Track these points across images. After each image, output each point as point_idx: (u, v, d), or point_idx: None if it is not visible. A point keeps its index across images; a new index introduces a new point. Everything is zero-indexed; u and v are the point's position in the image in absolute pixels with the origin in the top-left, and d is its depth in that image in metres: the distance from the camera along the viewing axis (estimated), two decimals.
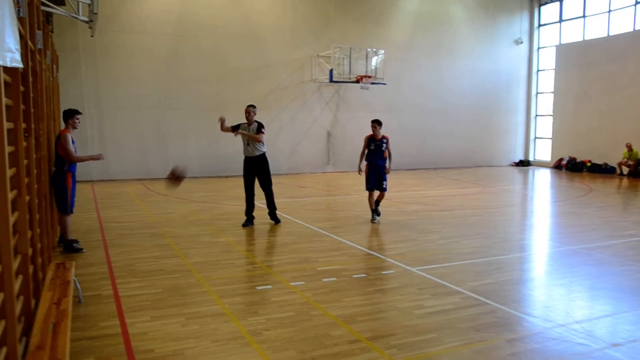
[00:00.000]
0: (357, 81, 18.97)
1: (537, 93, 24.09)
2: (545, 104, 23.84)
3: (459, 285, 6.06)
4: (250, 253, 7.66)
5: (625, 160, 19.23)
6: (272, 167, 9.94)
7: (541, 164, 23.36)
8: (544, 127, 23.85)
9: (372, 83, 19.15)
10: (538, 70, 24.00)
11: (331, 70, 18.67)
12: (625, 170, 19.30)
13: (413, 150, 20.88)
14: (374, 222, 9.87)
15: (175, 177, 7.90)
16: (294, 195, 14.01)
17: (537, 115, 24.18)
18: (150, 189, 15.05)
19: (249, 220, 9.62)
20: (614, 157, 19.75)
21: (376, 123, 9.95)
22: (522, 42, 23.54)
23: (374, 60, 19.41)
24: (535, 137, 24.28)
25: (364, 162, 10.06)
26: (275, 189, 9.90)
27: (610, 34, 20.61)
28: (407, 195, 13.74)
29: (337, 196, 14.52)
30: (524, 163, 23.71)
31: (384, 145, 9.91)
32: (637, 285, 6.38)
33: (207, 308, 5.30)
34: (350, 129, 19.94)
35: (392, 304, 5.52)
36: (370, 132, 9.99)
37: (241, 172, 9.61)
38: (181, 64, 17.71)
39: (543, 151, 23.82)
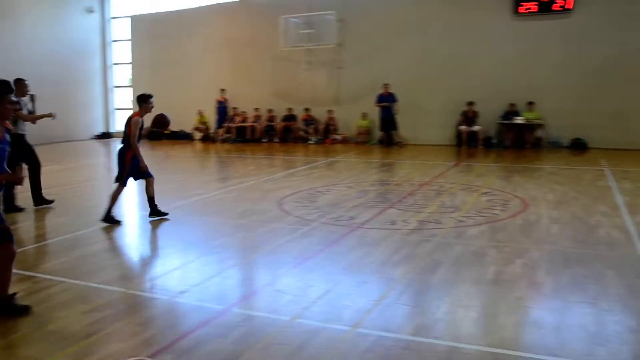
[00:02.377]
0: None
1: (113, 64, 24.12)
2: (122, 74, 24.07)
3: (32, 270, 5.75)
4: None
5: (198, 125, 21.06)
6: None
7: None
8: (122, 98, 24.10)
9: None
10: (112, 41, 23.98)
11: None
12: (198, 135, 21.15)
13: None
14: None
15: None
16: None
17: (114, 87, 24.27)
18: None
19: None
20: (189, 123, 21.36)
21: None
22: (93, 11, 23.06)
23: None
24: (115, 109, 24.40)
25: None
26: None
27: (181, 7, 21.95)
28: None
29: None
30: (105, 135, 23.60)
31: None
32: (202, 237, 7.16)
33: None
34: None
35: None
36: (137, 113, 7.81)
37: None
38: None
39: (123, 122, 24.07)
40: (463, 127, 17.30)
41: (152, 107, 7.88)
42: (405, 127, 17.95)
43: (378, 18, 18.51)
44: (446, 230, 7.03)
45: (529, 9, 16.66)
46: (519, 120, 16.80)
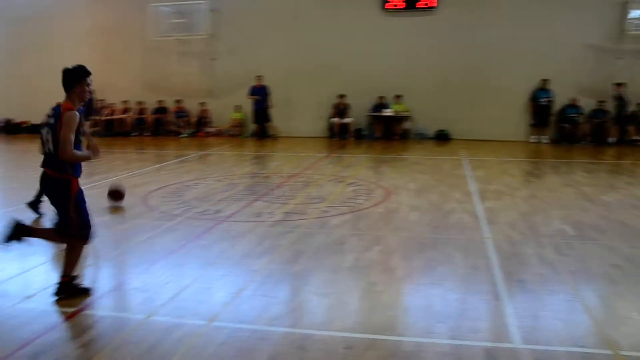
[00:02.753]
0: None
1: None
2: None
3: None
4: None
5: None
6: None
7: None
8: None
9: None
10: None
11: None
12: None
13: None
14: None
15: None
16: None
17: None
18: None
19: None
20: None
21: None
22: None
23: None
24: None
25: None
26: None
27: None
28: None
29: None
30: None
31: None
32: None
33: None
34: None
35: None
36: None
37: None
38: None
39: None
40: (335, 119, 17.71)
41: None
42: (278, 119, 18.07)
43: (251, 9, 18.40)
44: (310, 221, 7.16)
45: (395, 5, 17.35)
46: (387, 112, 17.48)
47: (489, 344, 3.79)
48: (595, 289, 4.94)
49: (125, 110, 19.30)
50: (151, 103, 19.27)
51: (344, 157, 13.95)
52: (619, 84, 16.06)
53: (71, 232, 4.68)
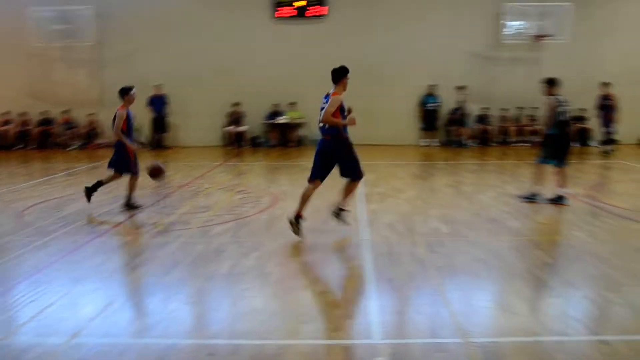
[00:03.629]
0: None
1: None
2: None
3: None
4: None
5: None
6: None
7: None
8: None
9: None
10: None
11: None
12: None
13: None
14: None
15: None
16: None
17: None
18: None
19: None
20: None
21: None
22: None
23: None
24: None
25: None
26: None
27: None
28: None
29: None
30: None
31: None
32: None
33: None
34: None
35: None
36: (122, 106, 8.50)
37: None
38: None
39: None
40: (230, 128, 17.62)
41: (134, 98, 8.59)
42: (173, 129, 17.74)
43: (141, 15, 17.86)
44: (192, 231, 7.08)
45: (285, 13, 17.54)
46: (282, 119, 17.61)
47: (349, 342, 3.92)
48: (457, 282, 5.22)
49: (6, 122, 18.20)
50: (36, 114, 18.31)
51: (237, 166, 13.90)
52: (459, 87, 17.07)
53: (359, 173, 6.73)
